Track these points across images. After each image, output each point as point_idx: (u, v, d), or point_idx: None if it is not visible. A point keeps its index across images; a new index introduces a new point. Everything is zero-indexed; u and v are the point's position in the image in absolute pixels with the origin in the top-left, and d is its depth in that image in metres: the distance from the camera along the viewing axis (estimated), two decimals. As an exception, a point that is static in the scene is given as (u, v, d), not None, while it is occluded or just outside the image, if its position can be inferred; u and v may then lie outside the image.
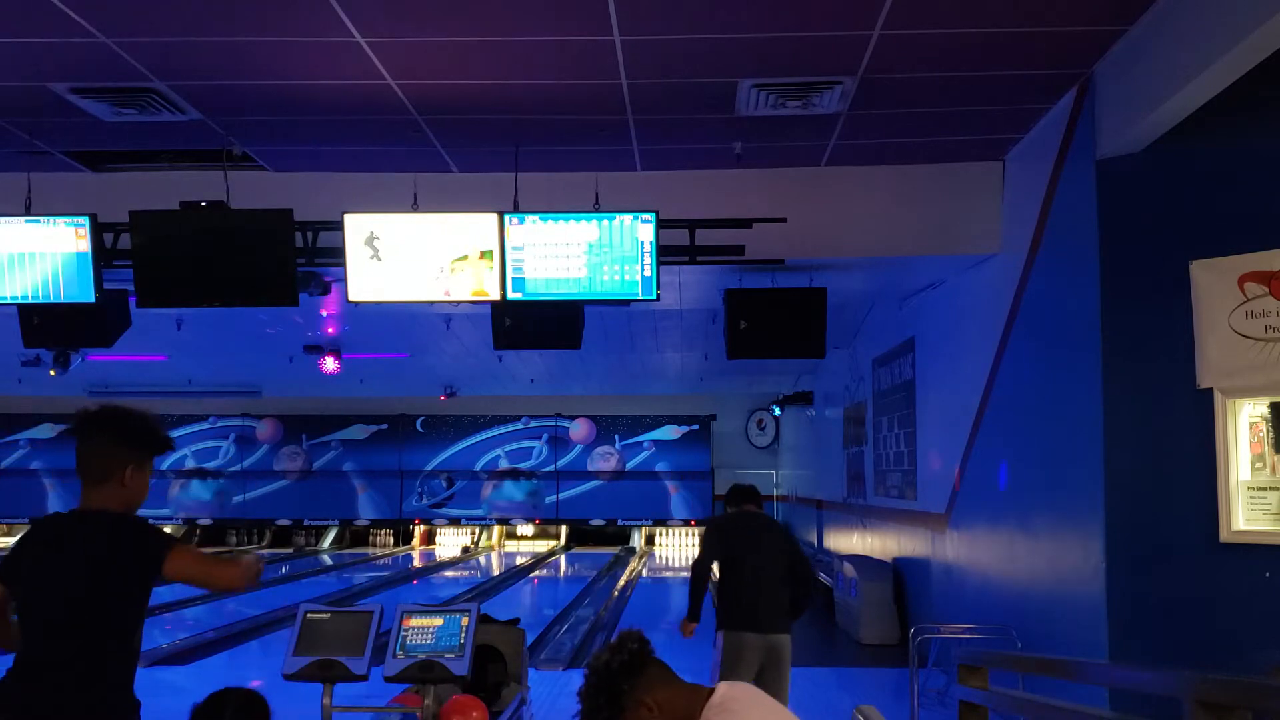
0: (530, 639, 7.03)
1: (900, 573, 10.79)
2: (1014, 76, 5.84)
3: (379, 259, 6.68)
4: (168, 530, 3.49)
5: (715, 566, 6.12)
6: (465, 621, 4.80)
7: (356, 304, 6.89)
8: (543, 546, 23.91)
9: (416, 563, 21.43)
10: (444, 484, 23.84)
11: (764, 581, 5.89)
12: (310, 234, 6.98)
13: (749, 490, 6.32)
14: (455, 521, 23.92)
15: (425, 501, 23.85)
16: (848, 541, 14.10)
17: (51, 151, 7.08)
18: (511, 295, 6.68)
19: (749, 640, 5.85)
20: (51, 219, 6.73)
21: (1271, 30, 4.22)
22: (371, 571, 19.46)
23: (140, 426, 3.29)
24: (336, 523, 24.06)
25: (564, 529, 24.13)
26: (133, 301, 7.24)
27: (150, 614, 3.43)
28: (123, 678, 3.19)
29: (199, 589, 7.00)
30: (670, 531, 23.84)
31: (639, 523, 23.72)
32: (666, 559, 22.26)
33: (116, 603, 3.14)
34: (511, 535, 24.66)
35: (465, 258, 6.67)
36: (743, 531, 6.08)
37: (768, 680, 5.81)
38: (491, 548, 23.99)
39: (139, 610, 3.20)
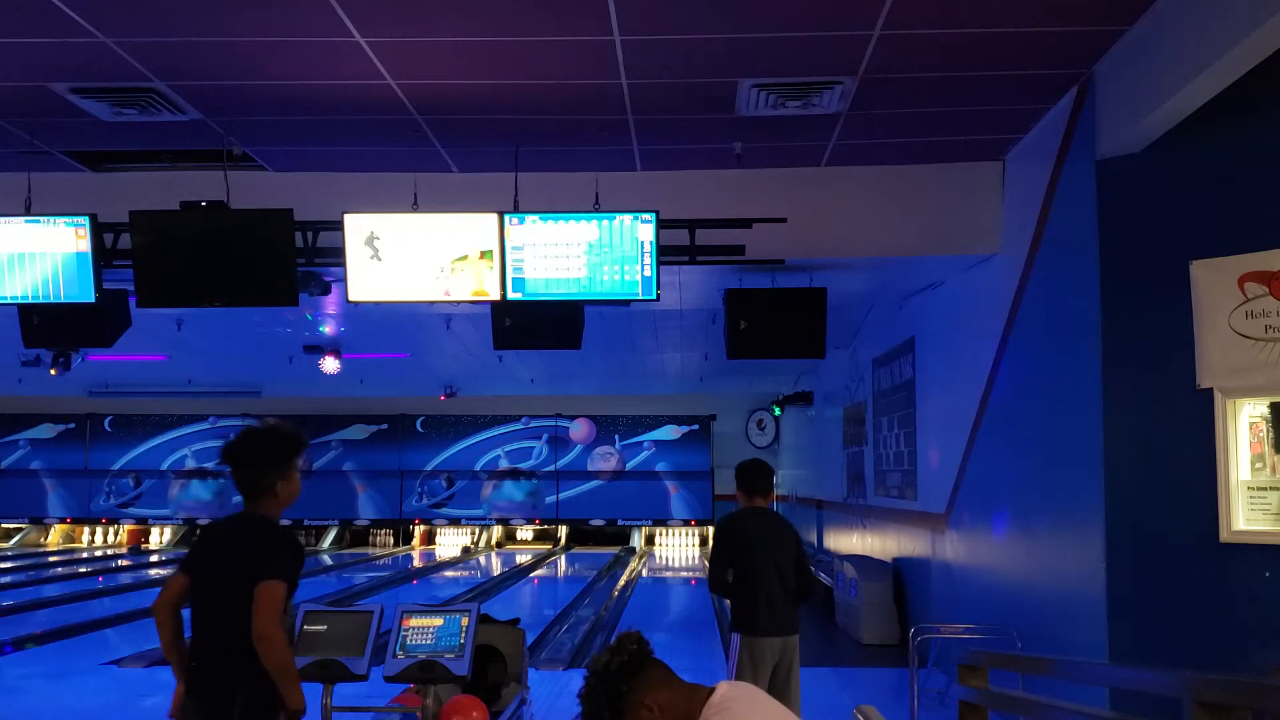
0: (530, 639, 7.03)
1: (900, 573, 10.78)
2: (1014, 76, 5.84)
3: (379, 259, 6.69)
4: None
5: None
6: (465, 621, 4.80)
7: (356, 304, 6.90)
8: (543, 546, 23.91)
9: (416, 563, 21.42)
10: (444, 484, 23.84)
11: (777, 583, 5.87)
12: (310, 234, 6.99)
13: (760, 475, 6.10)
14: (455, 521, 23.92)
15: (425, 501, 23.84)
16: (848, 541, 14.10)
17: (51, 151, 7.08)
18: (511, 295, 6.68)
19: (770, 644, 5.84)
20: (51, 219, 6.73)
21: (1271, 30, 4.22)
22: (371, 571, 19.46)
23: (279, 444, 3.93)
24: (336, 523, 24.05)
25: (564, 529, 24.13)
26: (133, 301, 7.24)
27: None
28: (241, 651, 3.68)
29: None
30: (670, 532, 23.83)
31: (639, 523, 23.71)
32: (666, 559, 22.25)
33: (241, 583, 3.70)
34: (511, 535, 24.65)
35: (465, 258, 6.68)
36: (753, 533, 5.96)
37: (780, 679, 5.84)
38: (492, 548, 23.98)
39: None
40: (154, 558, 21.75)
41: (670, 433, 23.61)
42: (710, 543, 23.14)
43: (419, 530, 24.28)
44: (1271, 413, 5.24)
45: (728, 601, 6.23)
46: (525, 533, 24.52)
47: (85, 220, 6.70)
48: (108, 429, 24.14)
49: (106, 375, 17.90)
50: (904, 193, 7.44)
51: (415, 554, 23.03)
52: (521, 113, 6.34)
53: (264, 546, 3.83)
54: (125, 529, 24.42)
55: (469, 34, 5.24)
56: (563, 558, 22.39)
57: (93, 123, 6.50)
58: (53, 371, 11.84)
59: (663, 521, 23.66)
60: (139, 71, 5.69)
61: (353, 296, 6.76)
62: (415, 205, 6.87)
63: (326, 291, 7.99)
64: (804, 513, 19.30)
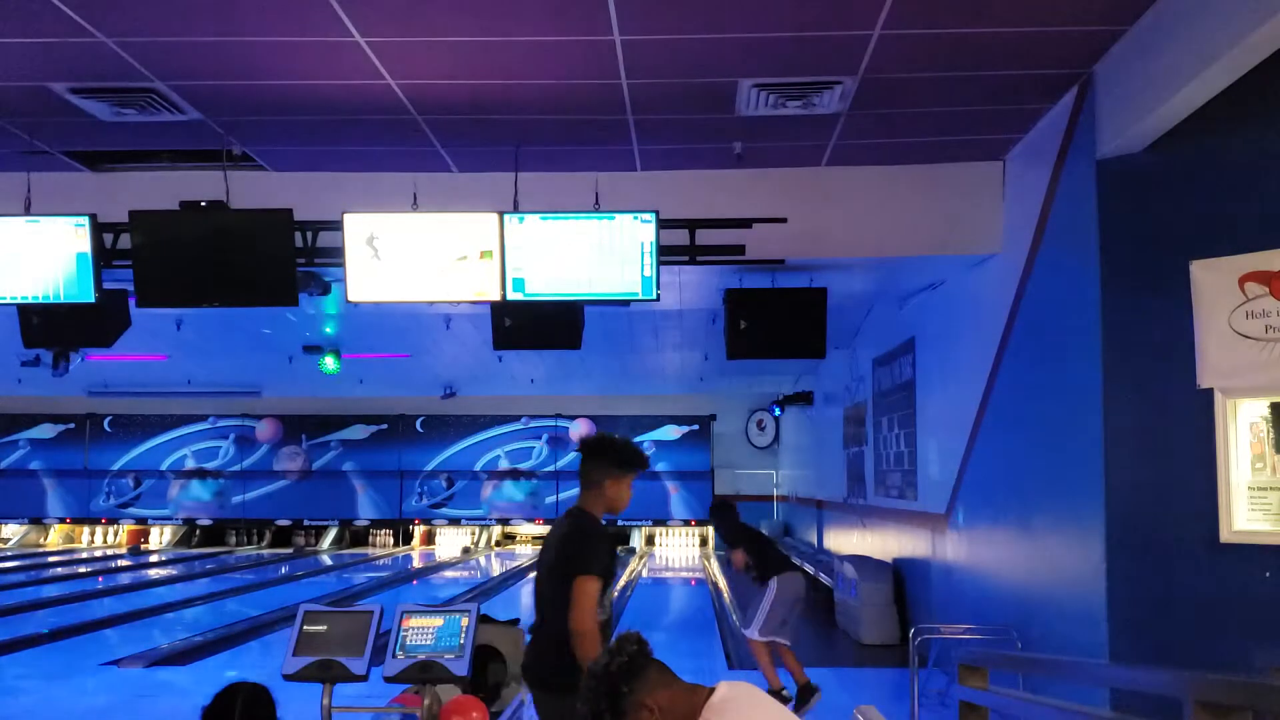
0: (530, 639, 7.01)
1: (900, 573, 10.78)
2: (1014, 76, 5.84)
3: (379, 259, 6.69)
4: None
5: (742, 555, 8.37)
6: (465, 622, 4.79)
7: (356, 304, 6.90)
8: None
9: (416, 563, 21.42)
10: (444, 484, 23.84)
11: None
12: (310, 234, 6.99)
13: (730, 514, 8.60)
14: (455, 522, 23.92)
15: (425, 501, 23.85)
16: (848, 541, 14.11)
17: (51, 151, 7.08)
18: (511, 295, 6.68)
19: (798, 576, 8.16)
20: (51, 219, 6.73)
21: (1271, 31, 4.22)
22: (371, 571, 19.46)
23: (622, 450, 4.29)
24: (336, 523, 24.06)
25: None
26: (133, 301, 7.24)
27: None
28: (563, 645, 3.93)
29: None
30: (670, 532, 23.82)
31: (639, 523, 23.71)
32: (666, 559, 22.25)
33: (559, 581, 4.01)
34: (511, 536, 24.65)
35: (465, 258, 6.67)
36: (761, 534, 8.79)
37: (798, 613, 8.17)
38: (492, 548, 23.98)
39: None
40: (153, 558, 21.75)
41: (670, 433, 23.61)
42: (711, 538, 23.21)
43: (419, 530, 24.28)
44: (1271, 413, 5.24)
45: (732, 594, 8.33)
46: (525, 533, 24.50)
47: (85, 220, 6.69)
48: (108, 429, 24.15)
49: (106, 375, 17.91)
50: (904, 193, 7.44)
51: (415, 554, 23.03)
52: (521, 113, 6.34)
53: (581, 542, 4.10)
54: (125, 529, 24.43)
55: (469, 34, 5.24)
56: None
57: (92, 123, 6.50)
58: (53, 372, 11.85)
59: (663, 522, 23.65)
60: (139, 71, 5.69)
61: (352, 296, 6.76)
62: (415, 205, 6.87)
63: (327, 291, 7.99)
64: (804, 513, 19.31)
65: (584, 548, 4.08)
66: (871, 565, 11.31)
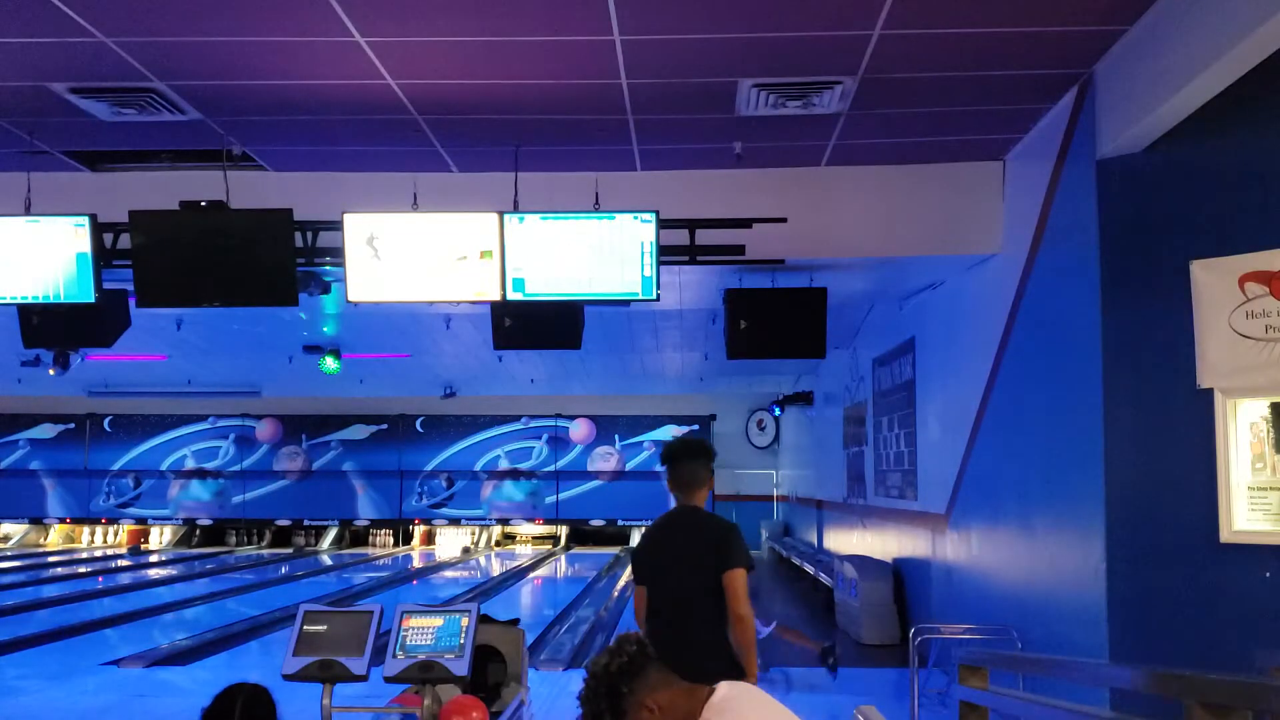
0: (530, 639, 7.03)
1: (900, 573, 10.78)
2: (1014, 76, 5.84)
3: (379, 259, 6.69)
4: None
5: None
6: (465, 622, 4.79)
7: (356, 304, 6.90)
8: (543, 546, 23.90)
9: (416, 563, 21.42)
10: (444, 484, 23.84)
11: None
12: (310, 234, 6.99)
13: None
14: (455, 522, 23.92)
15: (425, 501, 23.84)
16: (848, 541, 14.11)
17: (51, 151, 7.08)
18: (511, 295, 6.68)
19: None
20: (51, 219, 6.73)
21: (1271, 31, 4.22)
22: (371, 571, 19.45)
23: (709, 447, 4.81)
24: (336, 523, 24.06)
25: (564, 529, 24.12)
26: (133, 301, 7.24)
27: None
28: (716, 636, 4.33)
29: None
30: (670, 531, 23.77)
31: (639, 523, 23.66)
32: (666, 559, 22.19)
33: (706, 575, 4.38)
34: (511, 536, 24.64)
35: (465, 258, 6.67)
36: None
37: None
38: (492, 548, 23.97)
39: (719, 583, 4.37)
40: (153, 558, 21.74)
41: (670, 433, 23.60)
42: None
43: (419, 530, 24.27)
44: (1271, 413, 5.23)
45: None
46: (525, 534, 24.50)
47: (85, 220, 6.69)
48: (108, 429, 24.15)
49: (106, 375, 17.91)
50: (904, 193, 7.44)
51: (415, 554, 23.03)
52: (521, 113, 6.34)
53: (724, 538, 4.46)
54: (125, 529, 24.43)
55: (469, 34, 5.24)
56: (563, 558, 22.39)
57: (92, 123, 6.50)
58: (51, 371, 11.85)
59: (663, 521, 23.61)
60: (139, 71, 5.69)
61: (352, 296, 6.76)
62: (415, 205, 6.87)
63: (326, 291, 7.99)
64: (804, 513, 19.31)
65: (734, 544, 4.46)
66: (871, 565, 11.31)
